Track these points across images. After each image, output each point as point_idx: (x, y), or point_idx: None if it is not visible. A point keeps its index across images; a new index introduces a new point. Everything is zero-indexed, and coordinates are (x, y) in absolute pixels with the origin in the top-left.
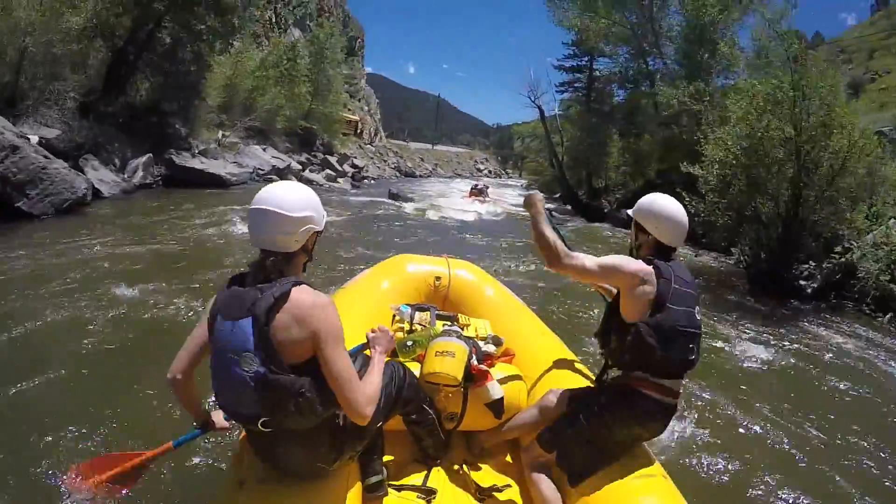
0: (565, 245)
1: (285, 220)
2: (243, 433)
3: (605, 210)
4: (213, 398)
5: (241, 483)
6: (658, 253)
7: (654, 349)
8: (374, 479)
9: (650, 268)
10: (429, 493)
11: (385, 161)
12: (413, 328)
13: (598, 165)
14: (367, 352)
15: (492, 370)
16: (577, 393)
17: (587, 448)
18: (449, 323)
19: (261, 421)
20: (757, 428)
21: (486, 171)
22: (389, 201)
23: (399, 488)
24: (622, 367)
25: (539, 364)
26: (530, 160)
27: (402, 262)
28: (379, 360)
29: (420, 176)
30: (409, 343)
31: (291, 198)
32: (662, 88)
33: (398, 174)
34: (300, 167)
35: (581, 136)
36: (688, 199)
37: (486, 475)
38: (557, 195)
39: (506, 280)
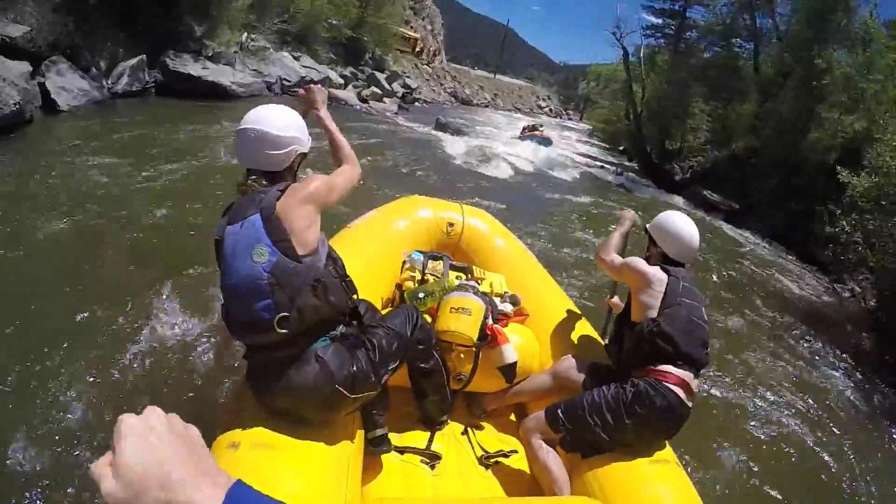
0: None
1: (273, 138)
2: (235, 390)
3: (677, 178)
4: (226, 323)
5: (234, 446)
6: (666, 263)
7: (673, 337)
8: (378, 433)
9: (660, 271)
10: (433, 457)
11: (441, 84)
12: (425, 278)
13: (675, 125)
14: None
15: (506, 330)
16: (597, 372)
17: (601, 440)
18: (464, 276)
19: (277, 318)
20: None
21: (546, 109)
22: (435, 132)
23: (402, 450)
24: (642, 364)
25: (553, 327)
26: (599, 106)
27: (413, 204)
28: (328, 116)
29: (477, 105)
30: (421, 295)
31: (278, 118)
32: (783, 54)
33: (453, 100)
34: (342, 81)
35: (665, 88)
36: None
37: (490, 439)
38: (621, 148)
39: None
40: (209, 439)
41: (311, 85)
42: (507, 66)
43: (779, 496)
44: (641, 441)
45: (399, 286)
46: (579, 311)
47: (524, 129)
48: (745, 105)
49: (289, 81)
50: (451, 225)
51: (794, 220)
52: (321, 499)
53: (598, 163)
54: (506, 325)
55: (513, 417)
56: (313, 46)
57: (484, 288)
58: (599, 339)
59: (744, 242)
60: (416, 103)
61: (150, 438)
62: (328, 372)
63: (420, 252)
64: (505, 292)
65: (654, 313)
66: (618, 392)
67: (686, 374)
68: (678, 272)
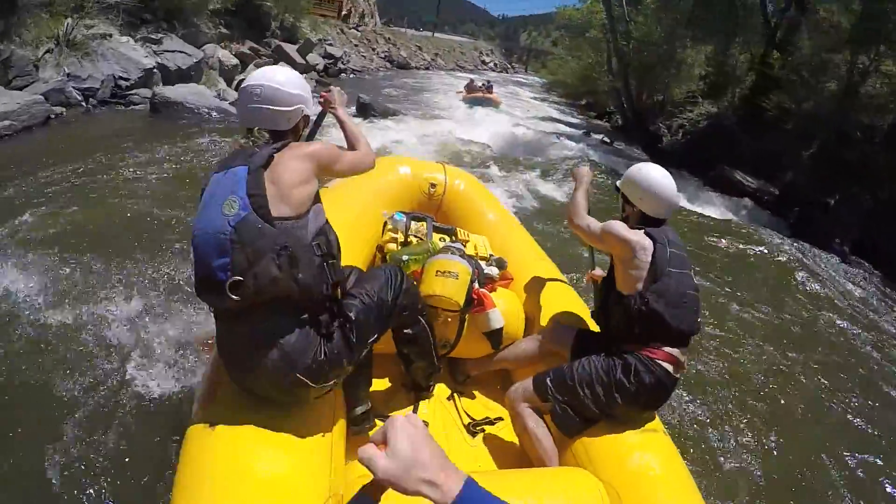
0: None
1: (281, 95)
2: (211, 370)
3: (663, 140)
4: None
5: (210, 426)
6: (646, 223)
7: (664, 316)
8: (359, 410)
9: (645, 238)
10: None
11: (373, 49)
12: (408, 240)
13: (663, 75)
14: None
15: (492, 295)
16: (588, 340)
17: (590, 412)
18: (448, 238)
19: (230, 281)
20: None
21: (491, 64)
22: (354, 118)
23: (387, 419)
24: (632, 341)
25: (538, 291)
26: (557, 57)
27: (394, 163)
28: (345, 115)
29: (416, 68)
30: (405, 258)
31: (284, 75)
32: None
33: (388, 65)
34: (236, 62)
35: (653, 31)
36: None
37: (476, 406)
38: (583, 103)
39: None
40: (181, 419)
41: (331, 87)
42: (445, 24)
43: (765, 467)
44: (630, 413)
45: (381, 248)
46: (564, 277)
47: (466, 88)
48: (755, 48)
49: (127, 80)
50: (433, 185)
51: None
52: (305, 479)
53: (566, 126)
54: (493, 290)
55: (498, 387)
56: (192, 20)
57: (469, 250)
58: (583, 304)
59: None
60: (343, 75)
61: (415, 435)
62: (289, 361)
63: (402, 213)
64: (490, 255)
65: (641, 285)
66: (608, 365)
67: (676, 350)
68: (663, 234)
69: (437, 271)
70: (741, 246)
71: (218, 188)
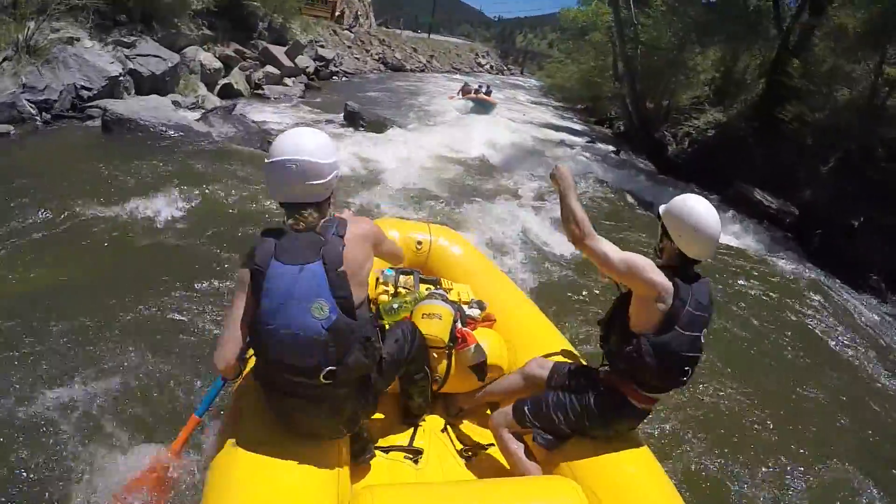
0: None
1: (317, 167)
2: (240, 388)
3: (668, 149)
4: (254, 351)
5: (234, 454)
6: (681, 263)
7: (652, 368)
8: (361, 443)
9: (670, 285)
10: (416, 452)
11: (367, 51)
12: (398, 291)
13: (667, 81)
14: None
15: (475, 333)
16: (564, 372)
17: (565, 434)
18: (433, 286)
19: (325, 371)
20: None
21: (487, 66)
22: (340, 129)
23: (386, 450)
24: (614, 372)
25: (520, 331)
26: (556, 60)
27: (384, 226)
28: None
29: (411, 70)
30: (395, 306)
31: (316, 144)
32: None
33: (382, 67)
34: (218, 66)
35: (662, 35)
36: None
37: (468, 434)
38: (580, 107)
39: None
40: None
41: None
42: (440, 25)
43: (749, 478)
44: (604, 433)
45: (374, 301)
46: (545, 316)
47: (462, 91)
48: (767, 54)
49: (90, 90)
50: (420, 243)
51: None
52: (317, 492)
53: (568, 134)
54: (475, 329)
55: (488, 412)
56: (172, 21)
57: (452, 297)
58: (562, 338)
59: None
60: (335, 78)
61: None
62: (337, 413)
63: (392, 269)
64: (472, 299)
65: (652, 327)
66: (581, 393)
67: (654, 395)
68: (689, 292)
69: (423, 314)
70: (761, 279)
71: (296, 288)
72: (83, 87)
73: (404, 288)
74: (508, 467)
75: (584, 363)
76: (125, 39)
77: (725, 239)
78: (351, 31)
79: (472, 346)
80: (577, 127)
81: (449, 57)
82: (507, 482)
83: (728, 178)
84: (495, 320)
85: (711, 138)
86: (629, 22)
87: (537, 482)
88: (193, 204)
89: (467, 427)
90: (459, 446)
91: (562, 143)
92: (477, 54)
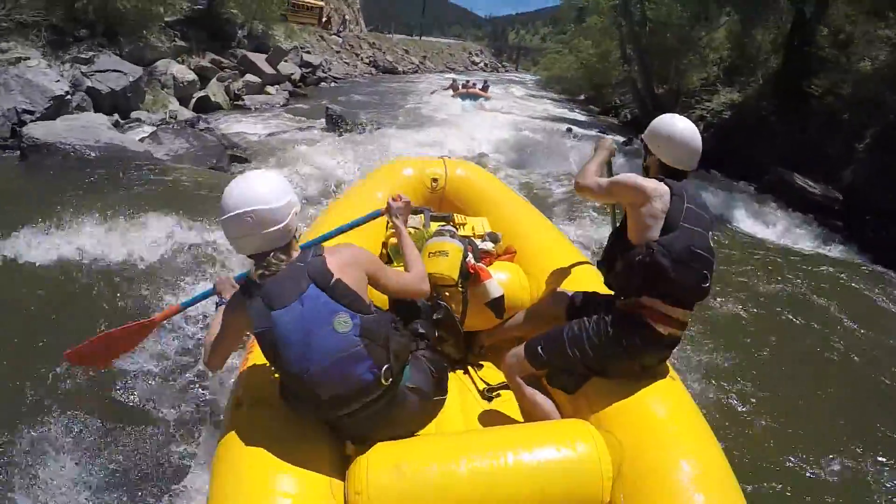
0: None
1: (274, 213)
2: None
3: None
4: (307, 405)
5: (238, 405)
6: (665, 173)
7: (667, 270)
8: None
9: (661, 185)
10: None
11: (357, 55)
12: (408, 232)
13: (678, 61)
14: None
15: (490, 268)
16: (580, 304)
17: (584, 371)
18: (443, 223)
19: (382, 374)
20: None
21: (481, 64)
22: (320, 138)
23: None
24: (631, 294)
25: (543, 261)
26: (553, 50)
27: (398, 167)
28: (403, 232)
29: (403, 72)
30: None
31: (267, 188)
32: None
33: (374, 71)
34: (193, 78)
35: (672, 11)
36: None
37: (490, 374)
38: (582, 97)
39: None
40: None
41: (401, 196)
42: (431, 27)
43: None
44: (629, 369)
45: (385, 244)
46: (570, 243)
47: (453, 88)
48: (783, 25)
49: (32, 112)
50: (435, 180)
51: None
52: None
53: (575, 125)
54: (490, 264)
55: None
56: (140, 34)
57: (465, 231)
58: (590, 267)
59: None
60: (323, 84)
61: None
62: (423, 394)
63: None
64: (486, 232)
65: (655, 234)
66: (599, 324)
67: (677, 311)
68: (683, 188)
69: (429, 253)
70: (817, 278)
71: (307, 320)
72: (25, 111)
73: (413, 228)
74: (522, 409)
75: (608, 291)
76: (83, 55)
77: (773, 235)
78: (339, 36)
79: (487, 282)
80: (582, 118)
81: (442, 57)
82: (512, 430)
83: (756, 163)
84: (516, 252)
85: (728, 120)
86: (636, 1)
87: (546, 427)
88: (97, 240)
89: (489, 367)
90: (482, 386)
91: (566, 135)
92: (470, 53)
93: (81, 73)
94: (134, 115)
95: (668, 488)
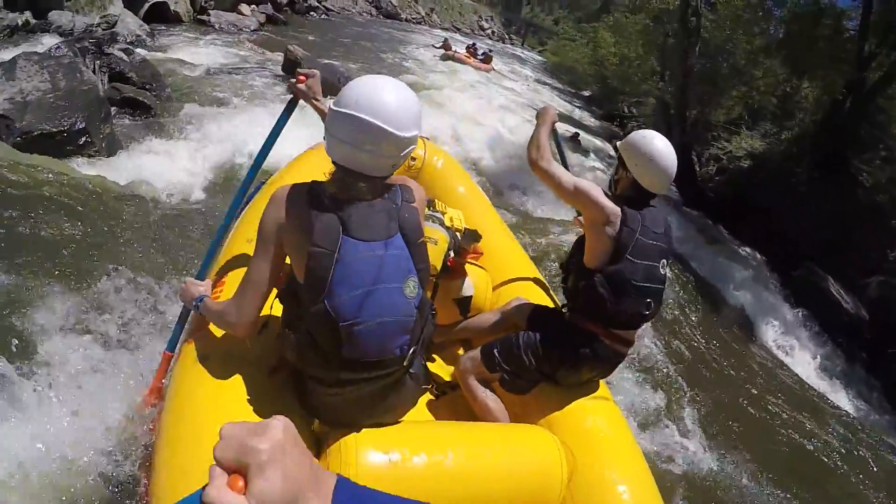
0: (565, 167)
1: (406, 142)
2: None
3: (708, 186)
4: (332, 359)
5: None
6: (635, 194)
7: (606, 301)
8: None
9: (618, 209)
10: None
11: None
12: None
13: (719, 91)
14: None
15: (465, 265)
16: (539, 314)
17: (536, 377)
18: (429, 207)
19: (409, 355)
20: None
21: (489, 31)
22: (272, 79)
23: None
24: (577, 311)
25: (504, 269)
26: (566, 35)
27: None
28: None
29: (406, 20)
30: None
31: (412, 112)
32: None
33: (374, 11)
34: None
35: (728, 35)
36: None
37: (441, 370)
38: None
39: None
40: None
41: (313, 70)
42: None
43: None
44: (575, 380)
45: None
46: (528, 258)
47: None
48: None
49: None
50: (413, 159)
51: None
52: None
53: (586, 134)
54: (465, 260)
55: (461, 351)
56: None
57: (446, 222)
58: (545, 282)
59: None
60: (313, 14)
61: (287, 462)
62: (417, 382)
63: None
64: (464, 227)
65: (603, 261)
66: (553, 334)
67: (619, 332)
68: (639, 217)
69: None
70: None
71: (386, 266)
72: None
73: None
74: (473, 410)
75: (560, 306)
76: None
77: (787, 353)
78: None
79: (462, 280)
80: (586, 120)
81: (451, 14)
82: (483, 426)
83: (776, 232)
84: (482, 254)
85: (747, 170)
86: (696, 12)
87: (513, 430)
88: None
89: (439, 364)
90: (433, 382)
91: (572, 142)
92: (481, 17)
93: None
94: (53, 16)
95: (608, 495)
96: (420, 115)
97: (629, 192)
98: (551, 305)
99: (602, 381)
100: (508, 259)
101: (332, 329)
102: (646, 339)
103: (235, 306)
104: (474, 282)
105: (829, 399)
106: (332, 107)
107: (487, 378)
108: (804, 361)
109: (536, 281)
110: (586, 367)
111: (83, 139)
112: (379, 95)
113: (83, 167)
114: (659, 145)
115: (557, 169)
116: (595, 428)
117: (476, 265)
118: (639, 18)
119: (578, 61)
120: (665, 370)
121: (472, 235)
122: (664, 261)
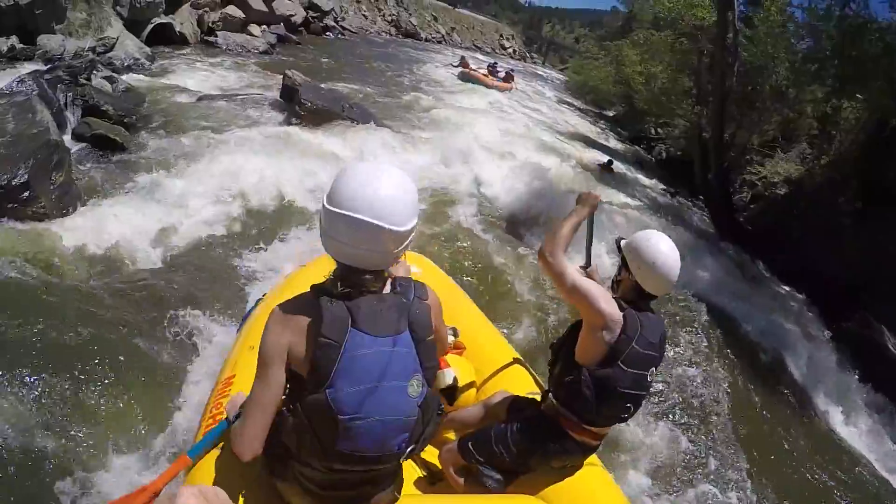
0: (589, 255)
1: (402, 236)
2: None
3: (743, 215)
4: (336, 440)
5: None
6: (637, 297)
7: (589, 402)
8: None
9: (619, 316)
10: None
11: (379, 10)
12: None
13: (758, 115)
14: None
15: (447, 358)
16: (516, 407)
17: (511, 468)
18: None
19: (406, 452)
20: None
21: (511, 50)
22: (268, 107)
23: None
24: (558, 399)
25: (488, 362)
26: (590, 56)
27: None
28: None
29: (426, 40)
30: None
31: (408, 204)
32: None
33: (393, 31)
34: None
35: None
36: None
37: (428, 460)
38: (611, 115)
39: None
40: None
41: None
42: (467, 0)
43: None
44: (547, 469)
45: None
46: (512, 349)
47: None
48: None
49: None
50: None
51: None
52: None
53: (620, 163)
54: (446, 354)
55: (452, 436)
56: None
57: None
58: (528, 375)
59: None
60: (329, 34)
61: None
62: (399, 478)
63: None
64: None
65: (594, 361)
66: (525, 427)
67: (593, 428)
68: (637, 323)
69: None
70: None
71: (394, 363)
72: None
73: None
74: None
75: (545, 390)
76: None
77: (849, 433)
78: None
79: (445, 370)
80: (613, 145)
81: (472, 33)
82: (479, 499)
83: (815, 270)
84: (465, 349)
85: (784, 198)
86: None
87: (507, 501)
88: None
89: (430, 454)
90: (420, 473)
91: (604, 172)
92: (502, 35)
93: None
94: (42, 40)
95: None
96: (417, 202)
97: (631, 296)
98: (532, 392)
99: (594, 455)
100: (491, 353)
101: (332, 420)
102: (675, 394)
103: (240, 435)
104: (459, 373)
105: (892, 485)
106: (325, 205)
107: (467, 468)
108: (859, 433)
109: (519, 366)
110: (556, 459)
111: (25, 194)
112: (374, 190)
113: (22, 229)
114: (664, 250)
115: (565, 264)
116: (590, 493)
117: (460, 357)
118: (666, 34)
119: (602, 80)
120: (694, 430)
121: (452, 331)
122: (653, 369)
